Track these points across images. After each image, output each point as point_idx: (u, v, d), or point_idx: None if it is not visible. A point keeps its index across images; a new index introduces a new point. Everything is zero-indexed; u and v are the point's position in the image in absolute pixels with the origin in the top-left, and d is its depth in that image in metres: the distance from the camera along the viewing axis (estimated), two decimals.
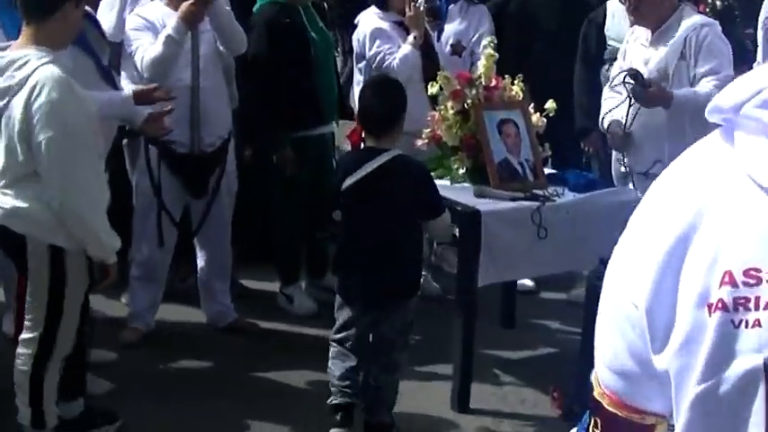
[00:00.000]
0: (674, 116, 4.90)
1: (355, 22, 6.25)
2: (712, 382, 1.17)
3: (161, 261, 5.53)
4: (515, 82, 5.20)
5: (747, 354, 1.15)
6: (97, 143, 4.09)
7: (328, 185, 4.64)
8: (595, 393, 1.36)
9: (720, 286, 1.17)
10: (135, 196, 5.52)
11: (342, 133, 5.65)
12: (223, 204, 5.57)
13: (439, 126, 5.12)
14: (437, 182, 4.92)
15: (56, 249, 3.99)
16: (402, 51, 5.90)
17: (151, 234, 5.44)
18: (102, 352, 5.18)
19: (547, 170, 5.30)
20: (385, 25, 6.04)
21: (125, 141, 5.51)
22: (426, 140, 5.20)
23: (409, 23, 5.97)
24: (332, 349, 4.50)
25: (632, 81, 4.82)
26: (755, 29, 6.23)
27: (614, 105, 5.08)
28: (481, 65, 5.25)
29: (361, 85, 5.86)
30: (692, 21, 5.01)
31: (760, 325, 1.15)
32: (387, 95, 4.49)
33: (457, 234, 4.95)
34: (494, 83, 5.17)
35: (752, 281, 1.16)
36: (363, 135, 4.50)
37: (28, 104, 3.83)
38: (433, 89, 5.19)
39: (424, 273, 6.24)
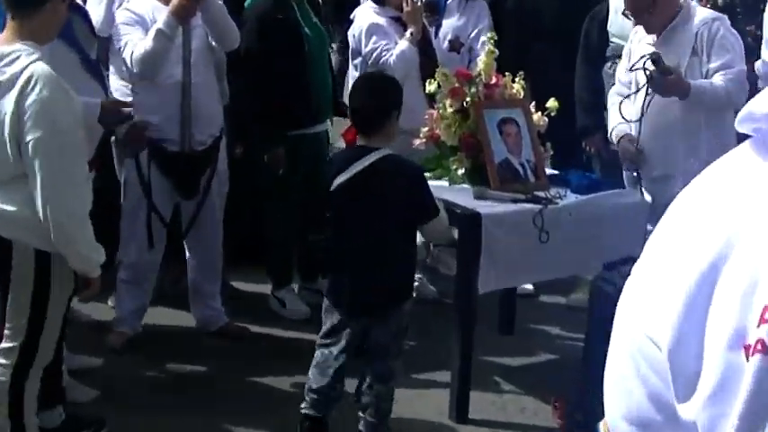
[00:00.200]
0: (689, 110, 4.78)
1: (351, 17, 6.13)
2: None
3: (150, 263, 5.40)
4: (516, 80, 5.06)
5: None
6: (84, 145, 3.96)
7: (322, 185, 4.50)
8: None
9: (759, 324, 0.99)
10: (123, 196, 5.39)
11: (337, 131, 5.52)
12: (214, 205, 5.45)
13: (437, 125, 4.99)
14: (435, 183, 4.83)
15: (42, 255, 3.85)
16: (399, 48, 5.77)
17: (140, 236, 5.31)
18: (88, 358, 5.08)
19: (548, 171, 5.16)
20: (381, 21, 5.91)
21: (113, 138, 5.37)
22: (424, 140, 5.07)
23: (407, 19, 5.84)
24: (316, 354, 4.34)
25: (653, 66, 4.67)
26: (757, 25, 6.12)
27: (622, 100, 4.93)
28: (481, 61, 5.11)
29: None
30: (701, 16, 4.92)
31: None
32: (377, 92, 4.33)
33: (456, 237, 4.81)
34: (494, 80, 5.03)
35: None
36: None
37: (19, 102, 3.73)
38: (431, 87, 5.08)
39: (420, 276, 6.15)
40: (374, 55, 5.81)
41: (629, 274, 1.19)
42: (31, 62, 3.75)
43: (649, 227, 4.90)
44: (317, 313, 4.81)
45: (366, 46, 5.86)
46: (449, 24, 6.29)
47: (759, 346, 0.98)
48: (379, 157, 4.17)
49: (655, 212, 4.93)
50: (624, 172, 5.26)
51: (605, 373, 1.17)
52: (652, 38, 4.96)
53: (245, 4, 5.75)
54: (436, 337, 5.21)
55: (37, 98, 3.70)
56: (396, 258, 4.22)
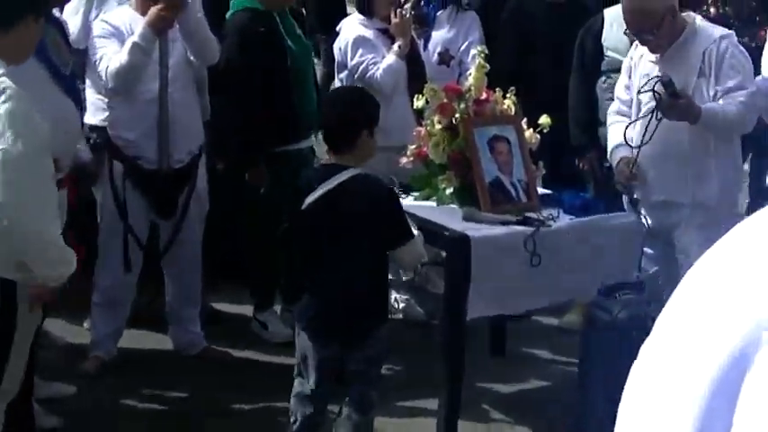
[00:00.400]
0: (698, 134, 4.58)
1: (337, 29, 5.95)
2: None
3: (126, 285, 5.22)
4: (507, 95, 4.88)
5: None
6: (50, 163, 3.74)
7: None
8: None
9: None
10: (99, 216, 5.23)
11: (322, 148, 5.33)
12: (193, 226, 5.27)
13: (425, 142, 4.80)
14: (423, 203, 4.65)
15: (6, 283, 3.62)
16: (386, 61, 5.60)
17: (116, 259, 5.13)
18: (60, 385, 4.90)
19: (540, 190, 4.97)
20: (369, 33, 5.74)
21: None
22: (411, 158, 4.88)
23: (395, 31, 5.67)
24: (295, 384, 4.14)
25: (663, 89, 4.45)
26: (750, 36, 6.07)
27: (627, 124, 4.73)
28: (471, 76, 4.93)
29: None
30: (707, 33, 4.67)
31: None
32: (347, 107, 4.16)
33: (426, 260, 4.60)
34: (484, 96, 4.85)
35: None
36: None
37: None
38: (419, 102, 4.90)
39: (407, 297, 5.98)
40: (360, 68, 5.64)
41: (624, 301, 1.00)
42: None
43: (647, 250, 4.73)
44: None
45: (352, 59, 5.69)
46: (438, 36, 6.12)
47: None
48: (349, 176, 3.99)
49: (657, 237, 4.75)
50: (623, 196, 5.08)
51: None
52: (655, 55, 4.74)
53: (226, 16, 5.56)
54: (423, 362, 5.05)
55: (2, 112, 3.49)
56: (366, 282, 4.03)
